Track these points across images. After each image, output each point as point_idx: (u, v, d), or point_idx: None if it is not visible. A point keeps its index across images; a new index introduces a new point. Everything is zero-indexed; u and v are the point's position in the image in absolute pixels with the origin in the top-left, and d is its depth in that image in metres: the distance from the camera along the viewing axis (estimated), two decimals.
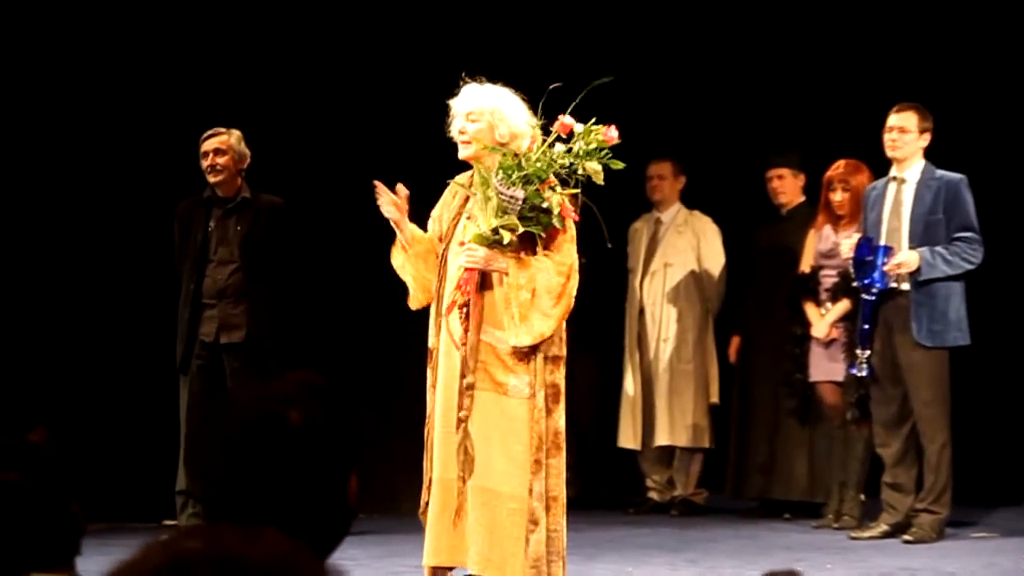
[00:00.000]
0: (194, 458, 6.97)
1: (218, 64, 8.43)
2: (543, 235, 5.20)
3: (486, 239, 5.17)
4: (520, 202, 5.11)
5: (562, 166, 5.19)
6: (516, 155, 5.20)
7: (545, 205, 5.14)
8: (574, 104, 5.26)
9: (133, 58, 8.37)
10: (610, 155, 5.24)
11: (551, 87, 5.26)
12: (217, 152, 7.38)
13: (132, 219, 8.25)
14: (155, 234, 7.78)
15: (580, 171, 5.23)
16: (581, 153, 5.21)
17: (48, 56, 8.31)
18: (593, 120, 5.26)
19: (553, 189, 5.17)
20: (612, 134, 5.24)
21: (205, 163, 7.39)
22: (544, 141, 5.25)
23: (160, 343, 7.61)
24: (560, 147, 5.23)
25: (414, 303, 5.49)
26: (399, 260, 5.50)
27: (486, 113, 5.29)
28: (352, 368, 8.19)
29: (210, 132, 7.42)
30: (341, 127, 8.62)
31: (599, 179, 5.24)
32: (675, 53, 9.31)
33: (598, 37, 9.20)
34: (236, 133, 7.43)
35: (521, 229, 5.15)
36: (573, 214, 5.23)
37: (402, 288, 5.55)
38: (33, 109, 8.28)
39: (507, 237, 5.15)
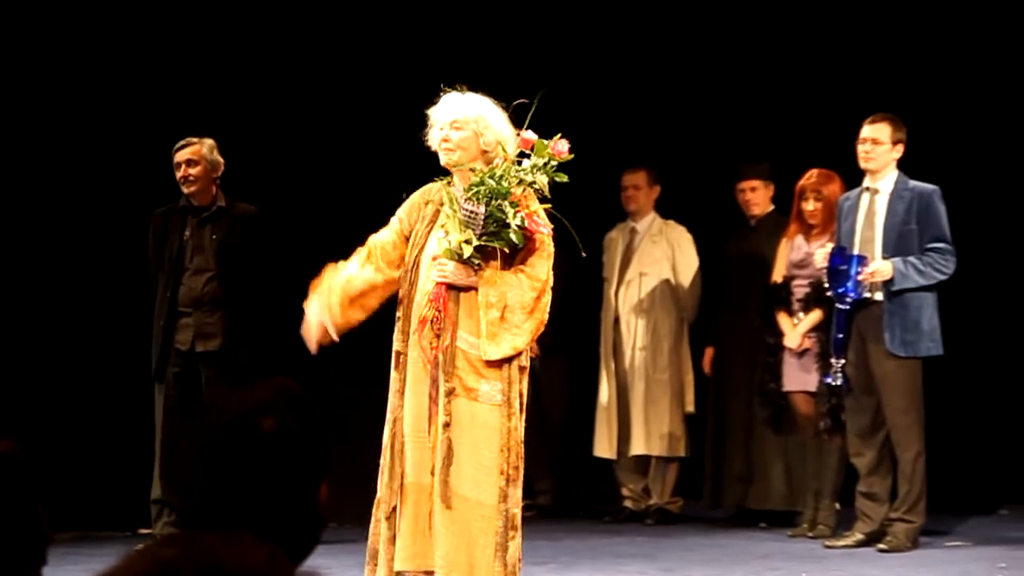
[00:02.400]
0: (170, 466, 6.96)
1: (193, 72, 8.42)
2: (506, 250, 5.23)
3: (454, 253, 5.23)
4: (481, 217, 5.16)
5: (520, 180, 5.22)
6: (481, 171, 5.24)
7: (507, 221, 5.17)
8: (529, 118, 5.29)
9: (108, 66, 8.36)
10: (555, 168, 5.26)
11: (514, 103, 5.31)
12: (189, 163, 7.37)
13: (107, 227, 8.24)
14: (130, 242, 7.77)
15: (536, 185, 5.26)
16: (536, 167, 5.24)
17: (22, 65, 8.29)
18: (559, 136, 5.28)
19: (515, 204, 5.18)
20: (561, 148, 5.27)
21: (178, 174, 7.39)
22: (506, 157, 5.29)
23: (135, 351, 7.60)
24: (526, 162, 5.28)
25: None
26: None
27: (471, 122, 5.33)
28: (325, 376, 8.18)
29: (182, 143, 7.42)
30: (316, 135, 8.62)
31: (545, 191, 5.29)
32: (650, 64, 9.33)
33: (574, 48, 9.22)
34: (208, 142, 7.42)
35: (475, 243, 5.19)
36: (545, 229, 5.25)
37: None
38: (7, 118, 8.26)
39: (467, 251, 5.21)
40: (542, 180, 5.25)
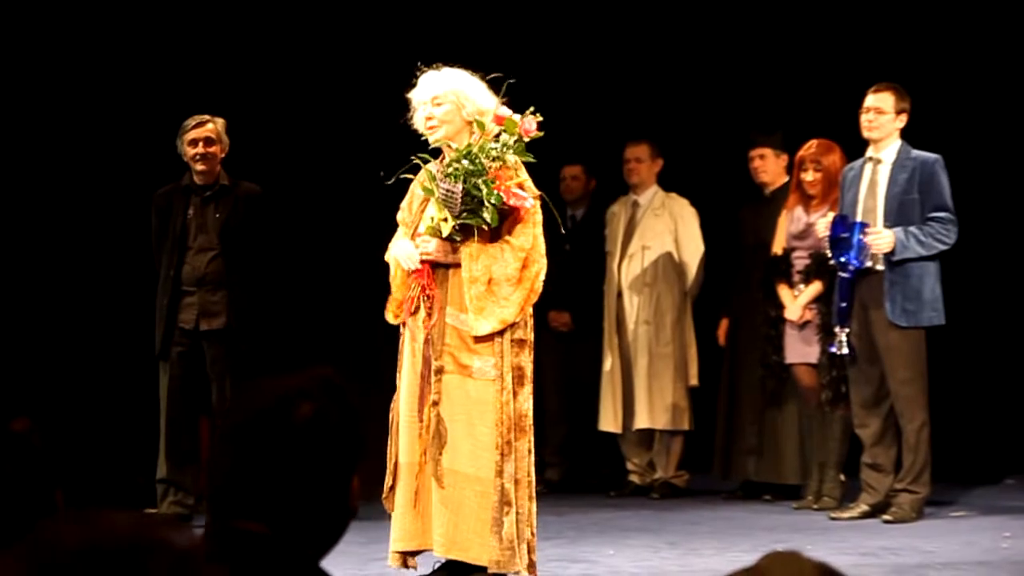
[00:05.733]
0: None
1: (195, 51, 8.41)
2: (485, 227, 5.21)
3: (435, 231, 5.22)
4: (458, 195, 5.14)
5: (495, 158, 5.21)
6: (458, 149, 5.23)
7: (482, 199, 5.15)
8: (502, 93, 5.28)
9: (108, 46, 8.34)
10: (523, 146, 5.24)
11: (488, 76, 5.30)
12: (207, 141, 7.34)
13: (110, 207, 8.24)
14: (133, 222, 7.76)
15: (507, 163, 5.24)
16: (506, 145, 5.23)
17: (22, 46, 8.27)
18: (531, 110, 5.26)
19: (490, 182, 5.15)
20: (529, 126, 5.25)
21: (193, 151, 7.33)
22: (485, 134, 5.28)
23: (139, 331, 7.60)
24: (505, 135, 5.26)
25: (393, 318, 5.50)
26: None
27: (450, 94, 5.33)
28: (329, 354, 8.18)
29: (197, 120, 7.37)
30: (318, 114, 8.60)
31: (519, 169, 5.28)
32: (651, 35, 9.31)
33: (577, 20, 9.20)
34: (221, 121, 7.41)
35: (451, 222, 5.18)
36: (530, 200, 5.24)
37: (383, 279, 5.57)
38: (9, 99, 8.24)
39: (445, 230, 5.21)
40: (511, 159, 5.24)
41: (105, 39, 8.33)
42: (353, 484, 2.03)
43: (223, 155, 7.41)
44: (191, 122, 7.37)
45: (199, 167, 7.35)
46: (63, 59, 8.31)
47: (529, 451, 5.33)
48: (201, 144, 7.33)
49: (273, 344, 7.41)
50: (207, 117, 7.39)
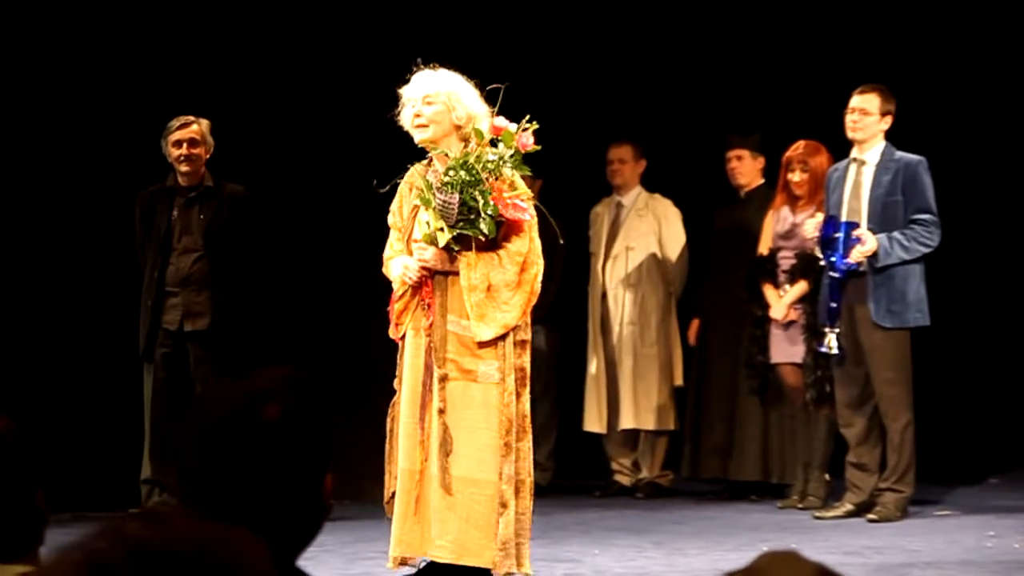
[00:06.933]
0: (171, 452, 6.95)
1: (178, 52, 8.39)
2: (482, 238, 5.21)
3: (432, 239, 5.22)
4: (455, 206, 5.14)
5: (490, 169, 5.20)
6: (455, 157, 5.22)
7: (479, 210, 5.14)
8: (498, 103, 5.26)
9: (93, 47, 8.32)
10: (519, 160, 5.23)
11: (488, 88, 5.28)
12: (192, 143, 7.34)
13: (95, 208, 8.22)
14: (118, 223, 7.75)
15: (505, 174, 5.23)
16: (503, 158, 5.22)
17: (6, 47, 8.26)
18: (526, 120, 5.25)
19: (487, 192, 5.15)
20: (526, 140, 5.23)
21: (178, 152, 7.33)
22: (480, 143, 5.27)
23: (123, 331, 7.59)
24: (502, 147, 5.25)
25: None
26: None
27: (442, 95, 5.31)
28: (316, 354, 8.18)
29: (182, 121, 7.36)
30: (303, 116, 8.59)
31: (516, 183, 5.27)
32: (634, 36, 9.31)
33: (560, 22, 9.20)
34: (205, 122, 7.40)
35: (448, 232, 5.17)
36: (526, 215, 5.23)
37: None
38: None
39: (442, 240, 5.20)
40: (507, 173, 5.23)
41: (90, 40, 8.31)
42: (326, 481, 2.03)
43: (207, 156, 7.41)
44: (175, 123, 7.36)
45: (183, 168, 7.35)
46: (48, 60, 8.29)
47: (529, 451, 5.33)
48: (185, 145, 7.33)
49: (257, 345, 7.39)
50: (191, 118, 7.38)
